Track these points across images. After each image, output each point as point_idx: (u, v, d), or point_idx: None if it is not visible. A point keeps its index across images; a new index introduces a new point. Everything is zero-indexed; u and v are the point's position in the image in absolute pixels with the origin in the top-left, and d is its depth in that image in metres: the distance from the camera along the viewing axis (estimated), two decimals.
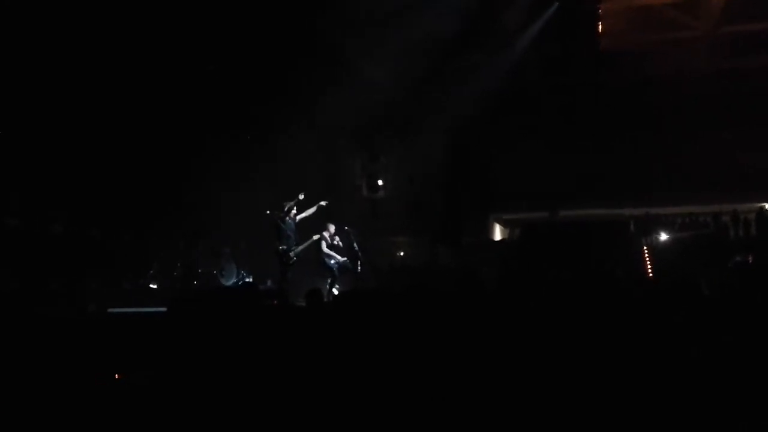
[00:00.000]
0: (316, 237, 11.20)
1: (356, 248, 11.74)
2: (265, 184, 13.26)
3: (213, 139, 13.94)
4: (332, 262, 11.39)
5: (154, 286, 12.82)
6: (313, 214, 11.20)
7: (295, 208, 10.95)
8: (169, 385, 4.30)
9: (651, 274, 10.80)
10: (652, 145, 15.38)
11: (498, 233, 18.15)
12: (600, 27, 15.51)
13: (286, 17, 12.81)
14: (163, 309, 7.00)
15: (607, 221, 14.97)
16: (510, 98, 15.41)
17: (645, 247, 12.01)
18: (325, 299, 8.02)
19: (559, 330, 4.40)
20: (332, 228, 11.47)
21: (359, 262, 11.77)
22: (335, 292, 10.93)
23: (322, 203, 11.16)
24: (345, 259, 11.63)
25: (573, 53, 15.34)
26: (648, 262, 11.13)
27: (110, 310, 8.59)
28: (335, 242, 11.52)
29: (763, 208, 15.34)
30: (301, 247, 11.00)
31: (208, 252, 13.61)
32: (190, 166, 13.59)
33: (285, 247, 10.80)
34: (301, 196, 10.91)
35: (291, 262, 10.87)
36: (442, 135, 15.39)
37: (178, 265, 13.31)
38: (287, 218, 10.86)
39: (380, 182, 16.26)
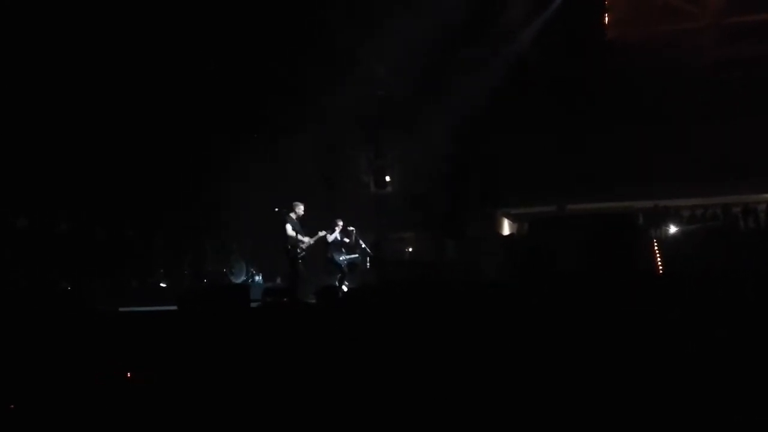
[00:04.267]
0: (322, 233, 11.10)
1: (362, 245, 11.72)
2: (271, 182, 13.26)
3: (219, 138, 13.93)
4: (341, 258, 11.37)
5: (164, 285, 12.85)
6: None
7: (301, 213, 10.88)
8: (181, 382, 4.30)
9: (661, 267, 10.75)
10: (661, 136, 15.22)
11: (506, 228, 18.09)
12: (606, 17, 15.44)
13: (290, 13, 12.78)
14: (174, 308, 7.03)
15: (616, 214, 14.92)
16: (517, 90, 15.33)
17: (654, 240, 11.96)
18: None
19: (559, 325, 4.39)
20: (340, 224, 11.44)
21: (368, 259, 11.75)
22: (344, 288, 10.91)
23: (321, 233, 11.09)
24: (356, 255, 11.63)
25: (580, 44, 15.23)
26: (657, 255, 11.08)
27: (121, 309, 8.60)
28: (344, 239, 11.48)
29: None
30: (309, 240, 10.83)
31: (217, 250, 13.62)
32: (197, 165, 13.59)
33: (293, 242, 10.67)
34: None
35: (299, 256, 10.76)
36: (448, 129, 15.32)
37: (187, 263, 13.33)
38: (295, 216, 10.79)
39: (387, 178, 16.22)
